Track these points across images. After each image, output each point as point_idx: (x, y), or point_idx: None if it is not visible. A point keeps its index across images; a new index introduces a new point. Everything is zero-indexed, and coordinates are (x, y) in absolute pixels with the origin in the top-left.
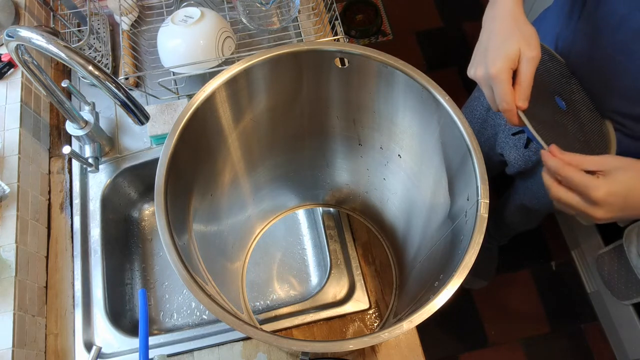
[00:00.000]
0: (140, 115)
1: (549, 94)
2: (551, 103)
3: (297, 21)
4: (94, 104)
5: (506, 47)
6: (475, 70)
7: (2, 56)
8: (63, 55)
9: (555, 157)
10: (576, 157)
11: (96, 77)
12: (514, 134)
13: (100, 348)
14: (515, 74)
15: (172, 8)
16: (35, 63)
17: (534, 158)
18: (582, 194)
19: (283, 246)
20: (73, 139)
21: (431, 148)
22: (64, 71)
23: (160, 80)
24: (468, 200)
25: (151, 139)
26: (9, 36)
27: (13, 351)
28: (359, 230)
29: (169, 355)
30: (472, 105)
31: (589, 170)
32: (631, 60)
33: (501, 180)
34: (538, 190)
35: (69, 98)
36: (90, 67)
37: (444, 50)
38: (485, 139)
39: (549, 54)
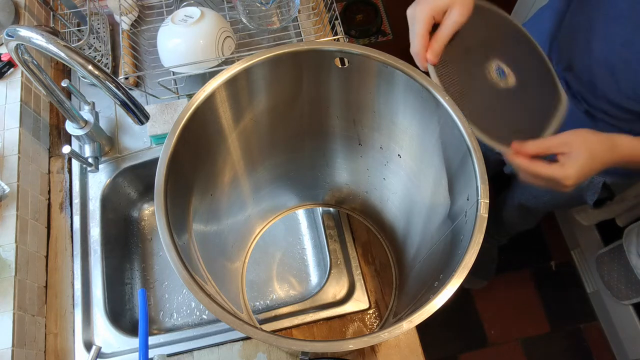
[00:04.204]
0: (140, 115)
1: (485, 60)
2: (486, 69)
3: (297, 21)
4: (93, 103)
5: None
6: (407, 10)
7: (2, 56)
8: (63, 54)
9: (519, 156)
10: (539, 144)
11: (96, 76)
12: None
13: (100, 348)
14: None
15: (172, 8)
16: (35, 63)
17: None
18: (554, 182)
19: (283, 246)
20: (73, 139)
21: (431, 148)
22: (64, 71)
23: (160, 80)
24: (468, 200)
25: (151, 138)
26: (9, 36)
27: (13, 351)
28: (359, 230)
29: (169, 355)
30: None
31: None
32: (632, 52)
33: (499, 180)
34: (536, 189)
35: (69, 98)
36: (90, 67)
37: None
38: None
39: (498, 18)
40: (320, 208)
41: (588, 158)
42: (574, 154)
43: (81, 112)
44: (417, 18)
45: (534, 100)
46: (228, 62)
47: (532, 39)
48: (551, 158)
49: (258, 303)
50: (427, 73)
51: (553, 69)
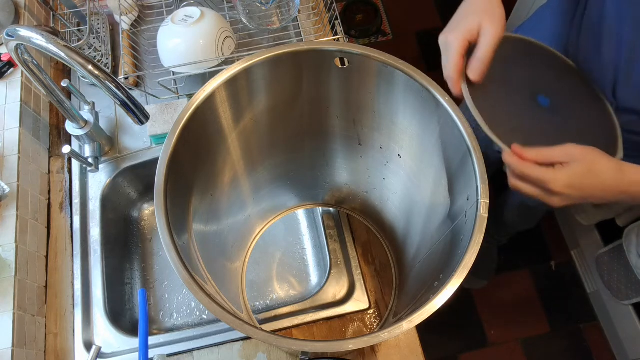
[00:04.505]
0: (140, 115)
1: (529, 95)
2: (532, 104)
3: (297, 21)
4: (93, 103)
5: (467, 19)
6: (439, 38)
7: (2, 56)
8: (63, 54)
9: (513, 156)
10: (541, 152)
11: (96, 76)
12: None
13: (100, 348)
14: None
15: (172, 8)
16: (35, 62)
17: None
18: (541, 186)
19: (283, 246)
20: (73, 139)
21: (431, 148)
22: (64, 71)
23: (160, 80)
24: (468, 200)
25: (151, 138)
26: (9, 36)
27: (13, 351)
28: (359, 230)
29: (169, 355)
30: None
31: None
32: (634, 51)
33: (500, 180)
34: None
35: (69, 98)
36: (90, 67)
37: None
38: (483, 136)
39: (538, 49)
40: (320, 208)
41: (586, 171)
42: (572, 164)
43: (81, 112)
44: (450, 44)
45: (582, 129)
46: (228, 62)
47: (579, 72)
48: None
49: (258, 303)
50: (455, 99)
51: (612, 111)
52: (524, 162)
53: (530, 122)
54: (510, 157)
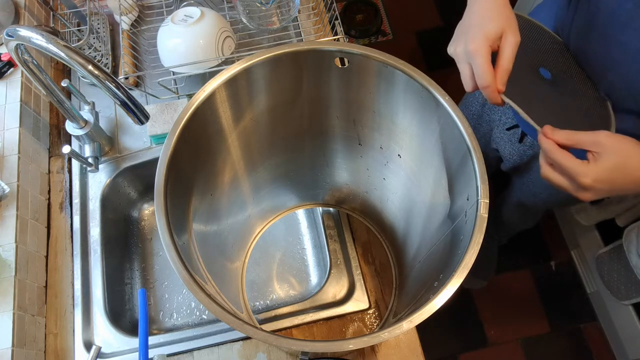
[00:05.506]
0: (140, 115)
1: (532, 65)
2: (534, 73)
3: (297, 21)
4: (93, 103)
5: (487, 26)
6: (454, 47)
7: (1, 55)
8: (63, 54)
9: (549, 140)
10: (570, 135)
11: (96, 76)
12: (508, 129)
13: (100, 348)
14: (496, 56)
15: (172, 8)
16: (35, 62)
17: (529, 152)
18: (571, 178)
19: (283, 246)
20: (73, 139)
21: (431, 148)
22: (64, 71)
23: (160, 79)
24: (468, 200)
25: (151, 138)
26: (9, 35)
27: (13, 350)
28: (359, 230)
29: (169, 355)
30: (467, 101)
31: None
32: (622, 52)
33: (498, 180)
34: (534, 186)
35: (69, 97)
36: (90, 67)
37: (444, 50)
38: (480, 135)
39: (539, 30)
40: (320, 208)
41: (617, 165)
42: (603, 156)
43: (81, 112)
44: (476, 53)
45: (582, 103)
46: (228, 62)
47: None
48: (582, 157)
49: (258, 303)
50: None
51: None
52: (559, 149)
53: (537, 93)
54: (546, 142)
